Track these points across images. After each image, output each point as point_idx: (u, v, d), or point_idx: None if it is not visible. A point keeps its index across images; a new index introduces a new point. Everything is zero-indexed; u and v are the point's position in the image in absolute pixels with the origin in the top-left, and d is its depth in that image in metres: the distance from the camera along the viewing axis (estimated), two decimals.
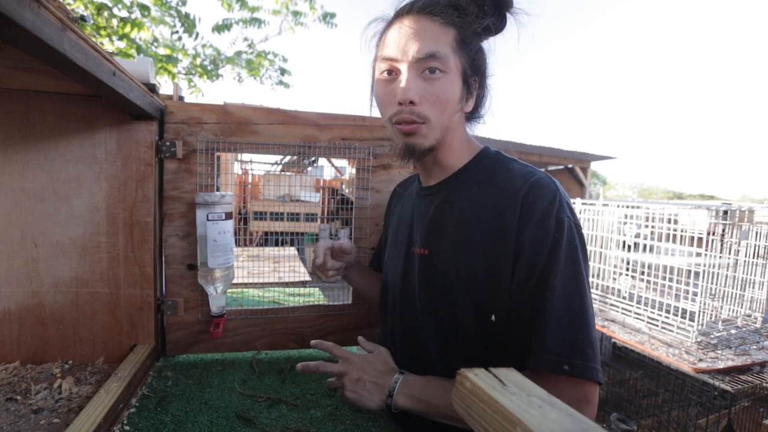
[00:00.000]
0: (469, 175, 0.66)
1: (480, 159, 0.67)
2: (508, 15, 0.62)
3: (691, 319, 1.64)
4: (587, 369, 0.51)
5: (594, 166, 9.54)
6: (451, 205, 0.65)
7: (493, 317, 0.58)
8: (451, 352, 0.63)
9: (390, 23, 0.63)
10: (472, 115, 0.69)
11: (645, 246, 1.82)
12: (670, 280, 1.71)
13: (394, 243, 0.77)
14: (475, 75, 0.64)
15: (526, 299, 0.55)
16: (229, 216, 0.83)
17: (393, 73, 0.61)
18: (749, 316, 1.82)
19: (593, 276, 2.09)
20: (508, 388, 0.44)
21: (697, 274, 1.60)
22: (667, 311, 1.75)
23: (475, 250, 0.59)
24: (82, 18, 0.51)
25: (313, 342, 0.71)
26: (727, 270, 1.72)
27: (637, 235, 1.84)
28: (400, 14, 0.62)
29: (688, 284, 1.63)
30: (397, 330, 0.73)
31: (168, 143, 0.84)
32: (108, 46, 3.03)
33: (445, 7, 0.59)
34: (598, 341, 0.51)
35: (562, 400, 0.43)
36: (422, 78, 0.59)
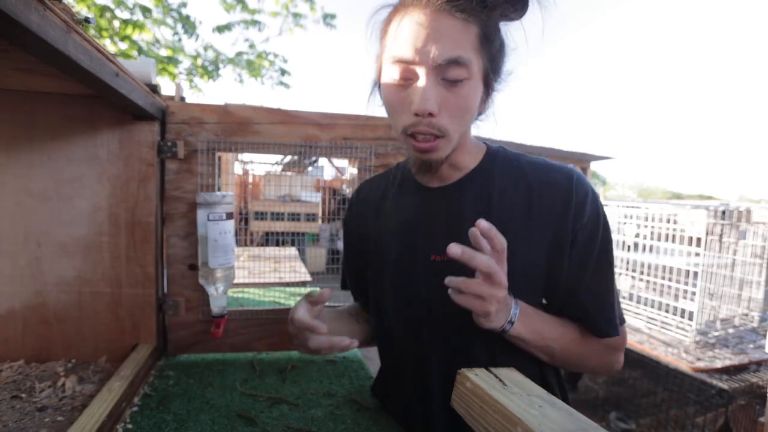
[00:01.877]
0: (491, 172, 0.62)
1: (493, 156, 0.64)
2: None
3: (690, 319, 1.65)
4: (623, 318, 0.63)
5: (593, 166, 9.54)
6: (483, 205, 0.60)
7: (544, 300, 0.61)
8: (500, 345, 0.59)
9: (402, 11, 0.53)
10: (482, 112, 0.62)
11: (644, 246, 1.82)
12: (669, 279, 1.72)
13: (390, 255, 0.66)
14: (494, 74, 0.57)
15: (587, 277, 0.59)
16: (229, 216, 0.84)
17: (408, 78, 0.53)
18: (746, 315, 1.83)
19: None
20: (508, 388, 0.44)
21: (695, 273, 1.61)
22: (666, 311, 1.75)
23: (530, 242, 0.58)
24: (87, 20, 0.51)
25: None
26: (725, 270, 1.72)
27: (637, 235, 1.85)
28: (415, 3, 0.52)
29: (686, 284, 1.63)
30: (428, 346, 0.63)
31: (169, 143, 0.84)
32: (110, 47, 3.04)
33: (466, 2, 0.50)
34: None
35: (621, 345, 0.64)
36: (442, 85, 0.52)
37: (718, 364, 1.45)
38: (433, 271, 0.61)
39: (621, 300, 1.94)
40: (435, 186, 0.64)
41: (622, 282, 1.97)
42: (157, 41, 3.39)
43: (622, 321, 0.62)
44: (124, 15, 3.07)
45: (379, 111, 0.64)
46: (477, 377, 0.45)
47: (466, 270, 0.52)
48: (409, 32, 0.51)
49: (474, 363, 0.57)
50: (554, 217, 0.58)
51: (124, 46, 3.07)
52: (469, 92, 0.53)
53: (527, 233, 0.58)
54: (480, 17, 0.51)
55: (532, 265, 0.59)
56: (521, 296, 0.58)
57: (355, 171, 0.99)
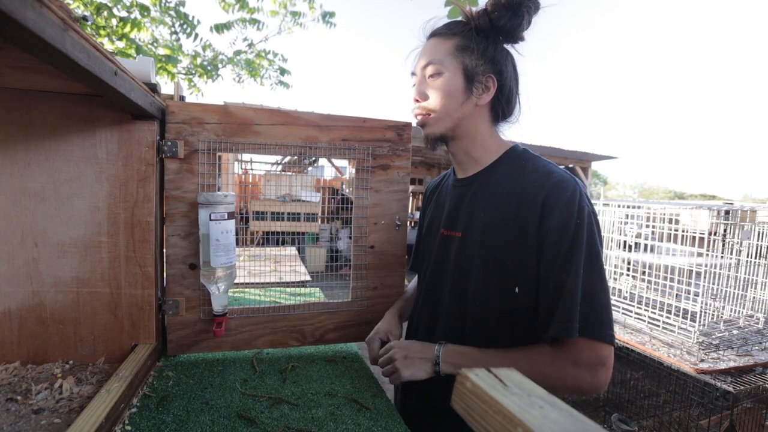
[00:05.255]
0: (498, 169, 0.76)
1: (509, 155, 0.77)
2: (525, 13, 0.70)
3: (693, 320, 1.64)
4: (601, 332, 0.61)
5: (595, 166, 9.53)
6: (483, 195, 0.75)
7: (516, 289, 0.68)
8: (476, 321, 0.73)
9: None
10: (502, 116, 0.79)
11: (646, 246, 1.81)
12: (671, 280, 1.71)
13: (429, 230, 0.89)
14: (486, 72, 0.73)
15: (554, 275, 0.63)
16: (231, 216, 0.83)
17: (414, 83, 0.80)
18: (751, 316, 1.82)
19: None
20: (509, 389, 0.44)
21: (698, 274, 1.60)
22: (668, 311, 1.74)
23: (502, 235, 0.69)
24: (84, 18, 0.51)
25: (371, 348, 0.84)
26: (729, 270, 1.71)
27: (638, 235, 1.84)
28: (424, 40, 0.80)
29: (689, 284, 1.62)
30: (424, 304, 0.84)
31: (169, 143, 0.84)
32: (108, 45, 3.03)
33: (447, 26, 0.75)
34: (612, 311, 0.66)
35: (582, 363, 0.62)
36: (427, 82, 0.75)
37: (722, 366, 1.44)
38: (439, 241, 0.82)
39: (622, 300, 1.95)
40: (460, 177, 0.82)
41: (623, 282, 1.96)
42: (156, 40, 3.38)
43: (600, 335, 0.61)
44: (122, 13, 3.06)
45: (376, 113, 0.72)
46: (477, 377, 0.44)
47: (472, 241, 0.73)
48: (415, 57, 0.80)
49: (452, 314, 0.76)
50: (525, 215, 0.67)
51: (121, 44, 3.06)
52: (444, 82, 0.73)
53: (510, 225, 0.69)
54: (457, 31, 0.73)
55: (507, 255, 0.69)
56: (496, 279, 0.70)
57: (354, 171, 0.99)
